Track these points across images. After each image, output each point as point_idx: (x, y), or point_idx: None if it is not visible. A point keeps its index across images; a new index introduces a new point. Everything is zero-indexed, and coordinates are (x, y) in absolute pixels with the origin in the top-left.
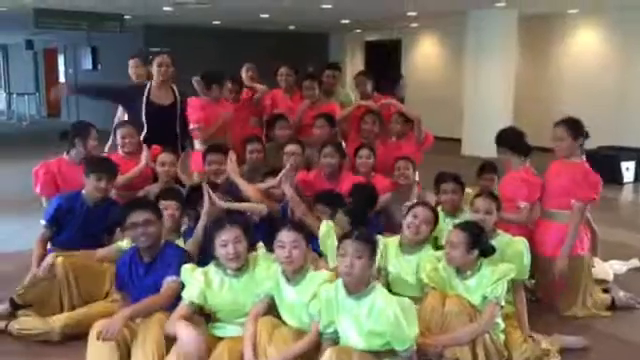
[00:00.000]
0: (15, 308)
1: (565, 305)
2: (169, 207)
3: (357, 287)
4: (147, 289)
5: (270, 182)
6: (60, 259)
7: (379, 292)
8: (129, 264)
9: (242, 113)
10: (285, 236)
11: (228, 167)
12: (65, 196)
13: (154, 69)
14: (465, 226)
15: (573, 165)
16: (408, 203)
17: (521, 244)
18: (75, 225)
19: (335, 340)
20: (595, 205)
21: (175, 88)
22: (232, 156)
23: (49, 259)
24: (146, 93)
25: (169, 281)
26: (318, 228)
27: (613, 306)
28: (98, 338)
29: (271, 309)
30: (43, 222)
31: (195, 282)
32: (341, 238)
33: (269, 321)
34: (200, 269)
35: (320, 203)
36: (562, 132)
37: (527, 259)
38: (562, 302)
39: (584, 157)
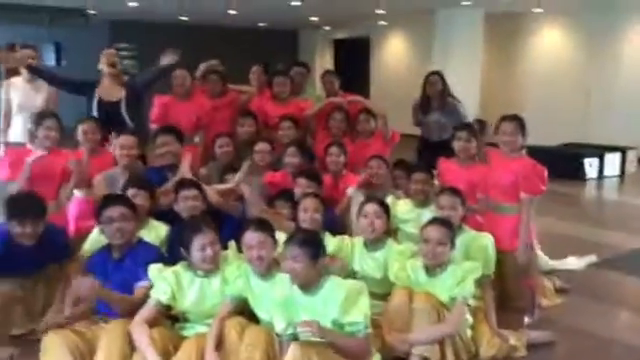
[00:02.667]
0: None
1: (515, 294)
2: (137, 196)
3: (307, 285)
4: (116, 287)
5: (228, 184)
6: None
7: (331, 283)
8: (101, 262)
9: (223, 113)
10: (250, 237)
11: (181, 168)
12: None
13: (102, 65)
14: (444, 222)
15: (519, 159)
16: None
17: (486, 239)
18: (16, 267)
19: (294, 339)
20: (539, 196)
21: (125, 82)
22: (187, 156)
23: None
24: (98, 89)
25: (139, 286)
26: (280, 224)
27: (556, 291)
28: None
29: (242, 310)
30: None
31: (164, 282)
32: (286, 241)
33: (237, 321)
34: (170, 269)
35: (279, 200)
36: (514, 127)
37: (492, 253)
38: (512, 291)
39: (524, 152)
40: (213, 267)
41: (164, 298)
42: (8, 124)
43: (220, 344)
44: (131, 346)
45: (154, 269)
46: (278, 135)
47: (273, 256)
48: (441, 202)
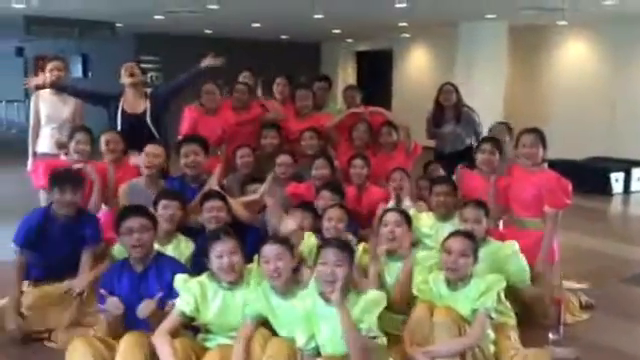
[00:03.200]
0: None
1: (539, 310)
2: (169, 207)
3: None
4: (139, 300)
5: (252, 196)
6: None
7: (352, 294)
8: (119, 276)
9: (248, 128)
10: (268, 250)
11: (210, 180)
12: (34, 215)
13: (123, 78)
14: (467, 234)
15: (541, 173)
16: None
17: (509, 248)
18: (49, 243)
19: (316, 354)
20: (564, 210)
21: (148, 94)
22: (217, 168)
23: (12, 323)
24: (121, 102)
25: (171, 302)
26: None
27: (582, 308)
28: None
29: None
30: (16, 248)
31: (188, 293)
32: (322, 246)
33: (260, 334)
34: (195, 279)
35: (300, 209)
36: (534, 140)
37: (522, 261)
38: (537, 307)
39: (545, 165)
40: (233, 277)
41: (188, 309)
42: (37, 135)
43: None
44: (151, 355)
45: (180, 279)
46: (301, 146)
47: (291, 270)
48: (465, 214)
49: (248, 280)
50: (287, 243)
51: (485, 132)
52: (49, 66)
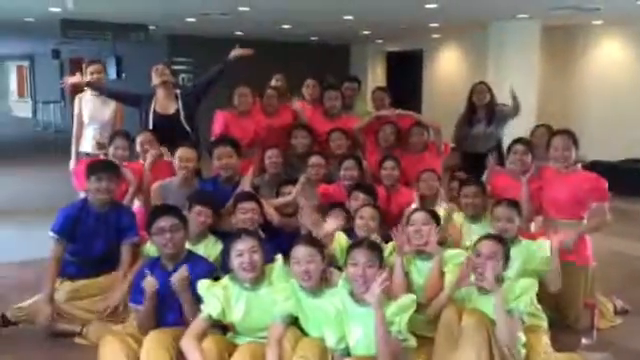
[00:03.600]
0: (4, 324)
1: (572, 314)
2: (202, 213)
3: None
4: (171, 297)
5: (285, 198)
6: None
7: (385, 298)
8: (150, 274)
9: (278, 132)
10: (299, 251)
11: (243, 182)
12: (71, 205)
13: (154, 79)
14: (498, 238)
15: (575, 174)
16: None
17: (538, 243)
18: (85, 233)
19: (346, 354)
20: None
21: (178, 94)
22: (249, 171)
23: (45, 316)
24: (153, 102)
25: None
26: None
27: (616, 313)
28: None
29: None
30: (52, 234)
31: (214, 298)
32: (351, 247)
33: (291, 333)
34: (218, 284)
35: (333, 210)
36: (567, 141)
37: (547, 252)
38: (570, 310)
39: (579, 166)
40: (253, 276)
41: (215, 313)
42: (80, 135)
43: None
44: (177, 355)
45: (203, 285)
46: (330, 147)
47: (321, 271)
48: (497, 213)
49: (270, 279)
50: (318, 245)
51: (521, 132)
52: (89, 69)
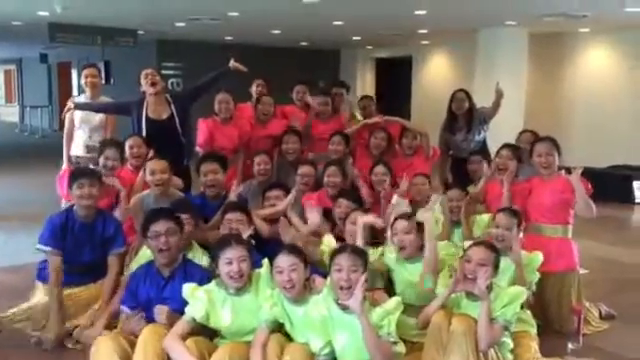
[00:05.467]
0: None
1: (559, 319)
2: (184, 221)
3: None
4: (165, 303)
5: (275, 208)
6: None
7: (369, 303)
8: (144, 279)
9: (268, 139)
10: (282, 261)
11: (230, 196)
12: (57, 215)
13: (144, 85)
14: (490, 245)
15: (558, 178)
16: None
17: (533, 259)
18: (72, 243)
19: (333, 359)
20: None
21: (170, 100)
22: (236, 187)
23: (54, 332)
24: (144, 109)
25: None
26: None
27: (602, 318)
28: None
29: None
30: (46, 248)
31: (198, 301)
32: (335, 253)
33: (276, 341)
34: (202, 288)
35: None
36: (549, 147)
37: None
38: (556, 316)
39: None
40: (241, 284)
41: (198, 316)
42: (71, 138)
43: None
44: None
45: (188, 288)
46: (328, 150)
47: (303, 284)
48: (498, 220)
49: (257, 285)
50: (301, 254)
51: (507, 137)
52: (84, 73)
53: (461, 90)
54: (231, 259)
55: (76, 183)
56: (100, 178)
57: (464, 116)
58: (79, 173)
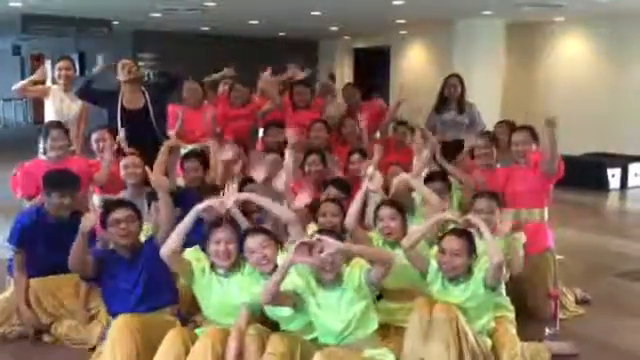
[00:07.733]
0: None
1: (535, 304)
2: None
3: (332, 278)
4: (133, 285)
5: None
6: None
7: (347, 277)
8: (110, 263)
9: (241, 122)
10: (252, 242)
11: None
12: (26, 214)
13: (120, 75)
14: (463, 233)
15: (534, 166)
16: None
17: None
18: (43, 241)
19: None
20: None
21: (145, 90)
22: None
23: (29, 324)
24: (120, 98)
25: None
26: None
27: (577, 302)
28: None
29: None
30: (11, 246)
31: (194, 256)
32: (317, 233)
33: (257, 332)
34: (201, 258)
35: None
36: (526, 136)
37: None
38: (533, 301)
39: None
40: (227, 264)
41: (193, 261)
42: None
43: (240, 355)
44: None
45: (189, 250)
46: (310, 137)
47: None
48: (478, 205)
49: (243, 269)
50: (269, 233)
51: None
52: (58, 65)
53: (455, 75)
54: (220, 239)
55: (57, 192)
56: (80, 185)
57: (455, 100)
58: (61, 181)
